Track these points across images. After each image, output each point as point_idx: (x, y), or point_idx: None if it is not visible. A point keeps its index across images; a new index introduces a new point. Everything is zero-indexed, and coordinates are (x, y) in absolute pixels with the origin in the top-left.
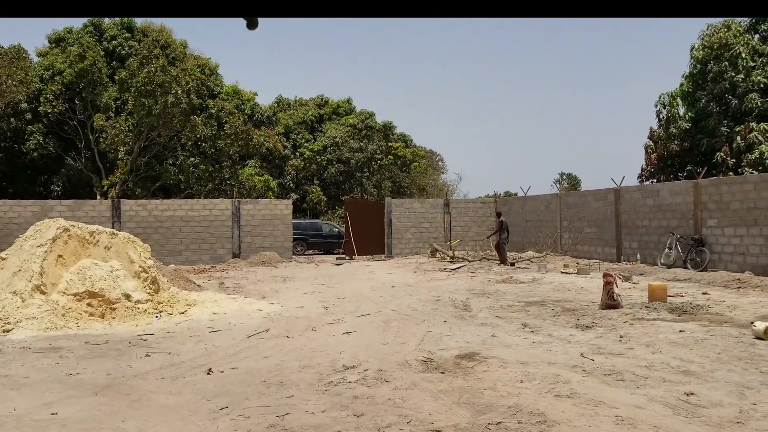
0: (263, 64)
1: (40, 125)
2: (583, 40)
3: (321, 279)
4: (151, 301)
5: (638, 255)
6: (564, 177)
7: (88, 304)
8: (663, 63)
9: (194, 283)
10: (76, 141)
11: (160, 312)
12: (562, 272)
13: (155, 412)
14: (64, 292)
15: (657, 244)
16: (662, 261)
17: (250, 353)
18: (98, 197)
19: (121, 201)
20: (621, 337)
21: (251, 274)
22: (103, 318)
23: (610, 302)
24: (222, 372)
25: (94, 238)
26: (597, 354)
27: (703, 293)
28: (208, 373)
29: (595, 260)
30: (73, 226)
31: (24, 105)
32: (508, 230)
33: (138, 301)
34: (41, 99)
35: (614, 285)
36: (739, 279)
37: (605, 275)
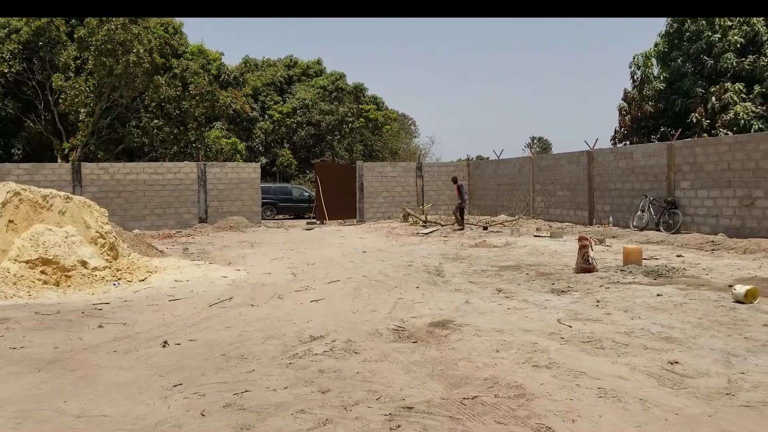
0: (230, 24)
1: None
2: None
3: (290, 244)
4: (109, 268)
5: (611, 218)
6: (535, 141)
7: (42, 272)
8: (638, 22)
9: (156, 249)
10: (36, 102)
11: (119, 279)
12: (535, 236)
13: (102, 391)
14: (15, 260)
15: (630, 207)
16: (635, 224)
17: (211, 323)
18: (59, 161)
19: (82, 164)
20: (598, 301)
21: (218, 240)
22: (57, 286)
23: (585, 266)
24: (179, 344)
25: (48, 202)
26: (574, 320)
27: (678, 255)
28: (164, 346)
29: (567, 223)
30: (25, 190)
31: None
32: (466, 194)
33: (95, 269)
34: None
35: (589, 248)
36: (713, 241)
37: (580, 239)
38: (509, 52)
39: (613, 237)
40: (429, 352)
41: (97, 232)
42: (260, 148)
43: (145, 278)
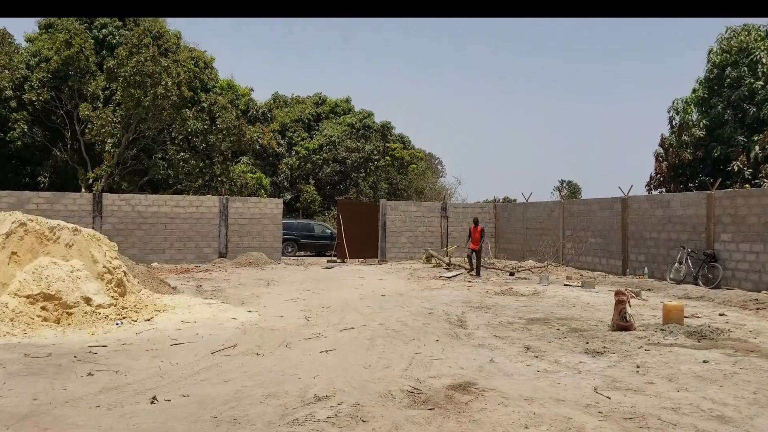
0: (261, 61)
1: (25, 113)
2: (591, 42)
3: (307, 284)
4: (115, 305)
5: (646, 269)
6: (564, 185)
7: (42, 308)
8: (677, 67)
9: (169, 285)
10: (63, 131)
11: (123, 318)
12: (566, 284)
13: None
14: (15, 294)
15: (666, 258)
16: (671, 276)
17: (210, 375)
18: (83, 190)
19: (103, 195)
20: (638, 367)
21: (235, 276)
22: (58, 323)
23: (622, 323)
24: (169, 401)
25: (55, 234)
26: (613, 389)
27: (720, 314)
28: (152, 402)
29: (599, 272)
30: (31, 221)
31: (9, 92)
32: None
33: (99, 306)
34: (26, 86)
35: (627, 304)
36: (756, 299)
37: (617, 293)
38: (540, 93)
39: (649, 290)
40: (447, 425)
41: (104, 267)
42: (285, 184)
43: (152, 317)
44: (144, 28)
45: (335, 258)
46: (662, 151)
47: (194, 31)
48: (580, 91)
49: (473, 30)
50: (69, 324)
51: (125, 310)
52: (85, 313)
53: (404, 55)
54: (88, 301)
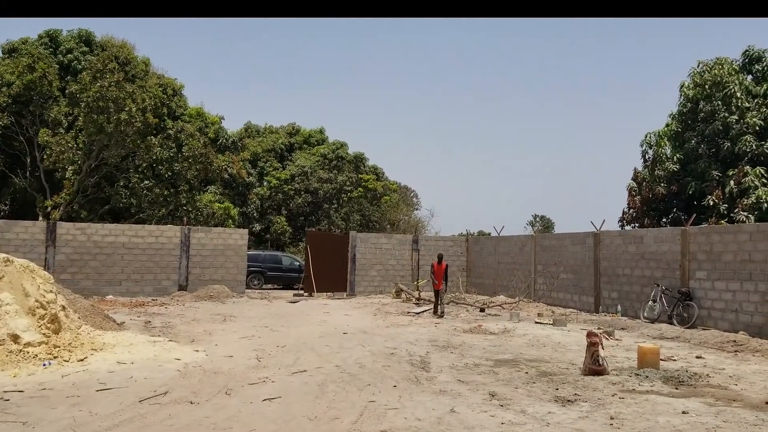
0: (234, 90)
1: None
2: (564, 76)
3: (268, 319)
4: (46, 343)
5: (619, 306)
6: (537, 219)
7: None
8: (649, 100)
9: (114, 321)
10: (23, 158)
11: (54, 358)
12: (537, 322)
13: None
14: None
15: (639, 296)
16: (645, 315)
17: (129, 429)
18: (40, 218)
19: (57, 224)
20: (612, 418)
21: (191, 311)
22: None
23: (595, 367)
24: None
25: None
26: None
27: (698, 357)
28: None
29: (571, 309)
30: None
31: None
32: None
33: (28, 344)
34: None
35: (599, 346)
36: (734, 341)
37: (589, 334)
38: (516, 126)
39: (622, 329)
40: None
41: (36, 301)
42: (255, 215)
43: (85, 357)
44: (109, 53)
45: (302, 292)
46: (635, 186)
47: (164, 58)
48: (554, 126)
49: (447, 61)
50: None
51: (57, 349)
52: (10, 352)
53: (379, 87)
54: (15, 338)
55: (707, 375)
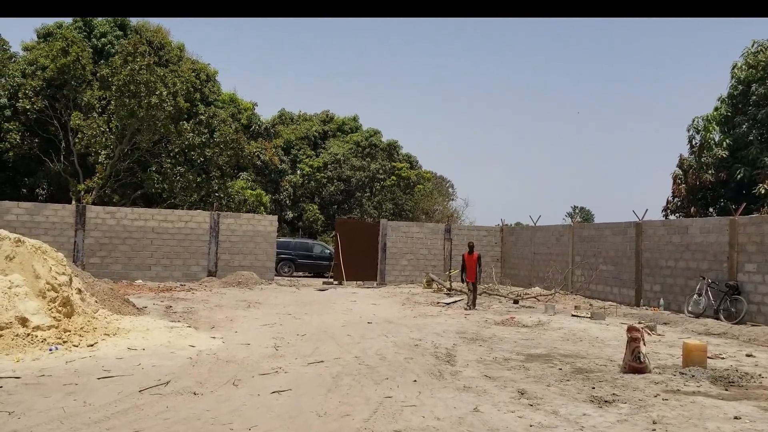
0: (268, 77)
1: (17, 123)
2: (605, 60)
3: (292, 307)
4: (56, 327)
5: (661, 300)
6: (577, 211)
7: None
8: (698, 83)
9: (133, 305)
10: (57, 142)
11: (64, 342)
12: (573, 315)
13: None
14: None
15: (683, 289)
16: (689, 309)
17: (121, 422)
18: (73, 203)
19: (87, 207)
20: (654, 423)
21: (216, 297)
22: None
23: (635, 364)
24: None
25: None
26: None
27: (748, 355)
28: None
29: (610, 302)
30: None
31: (3, 100)
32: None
33: (37, 327)
34: (20, 94)
35: (641, 342)
36: None
37: (630, 329)
38: (554, 115)
39: (665, 323)
40: None
41: (47, 283)
42: (287, 202)
43: (96, 343)
44: (140, 36)
45: (332, 280)
46: (681, 173)
47: (199, 44)
48: (594, 112)
49: (485, 51)
50: None
51: (68, 334)
52: (17, 335)
53: (414, 74)
54: (24, 321)
55: (759, 375)
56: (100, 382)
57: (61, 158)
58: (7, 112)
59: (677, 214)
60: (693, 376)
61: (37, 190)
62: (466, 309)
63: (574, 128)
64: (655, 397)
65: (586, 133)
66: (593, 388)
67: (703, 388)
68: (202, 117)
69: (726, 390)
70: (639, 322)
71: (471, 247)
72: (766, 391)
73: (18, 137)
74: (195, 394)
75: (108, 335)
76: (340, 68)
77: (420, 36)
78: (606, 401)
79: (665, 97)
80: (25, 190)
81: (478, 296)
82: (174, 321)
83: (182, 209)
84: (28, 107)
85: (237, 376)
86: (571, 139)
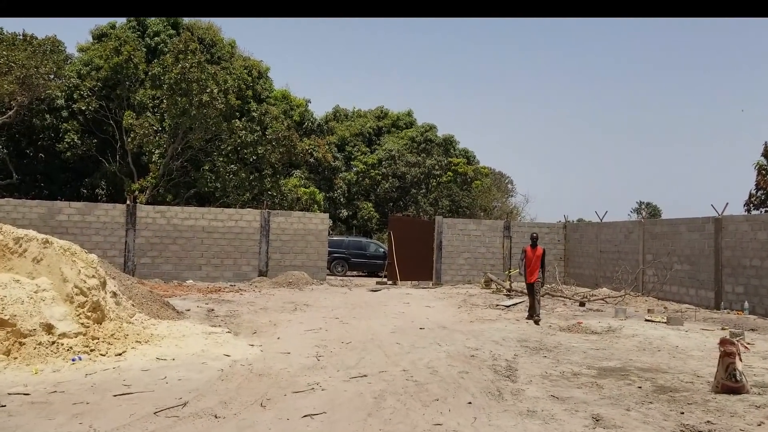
0: (321, 73)
1: (75, 123)
2: (675, 42)
3: (341, 310)
4: (84, 335)
5: (746, 303)
6: (643, 206)
7: None
8: None
9: (173, 309)
10: (113, 141)
11: (91, 351)
12: (647, 320)
13: None
14: None
15: None
16: None
17: None
18: (127, 202)
19: (138, 206)
20: None
21: (264, 298)
22: (8, 355)
23: (731, 383)
24: None
25: (21, 246)
26: None
27: None
28: None
29: (686, 305)
30: None
31: (60, 102)
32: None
33: (63, 335)
34: (76, 95)
35: (737, 358)
36: None
37: (723, 342)
38: (616, 106)
39: (752, 329)
40: None
41: (75, 287)
42: (342, 200)
43: (124, 351)
44: (191, 34)
45: (385, 279)
46: (766, 162)
47: (250, 41)
48: (662, 99)
49: (544, 44)
50: (16, 358)
51: (95, 341)
52: (40, 344)
53: (471, 68)
54: (49, 329)
55: None
56: (116, 400)
57: (117, 158)
58: (65, 113)
59: (762, 209)
60: None
61: (97, 190)
62: (527, 320)
63: (638, 117)
64: (760, 425)
65: (652, 123)
66: (682, 413)
67: None
68: (254, 114)
69: None
70: (723, 328)
71: (534, 239)
72: None
73: (76, 138)
74: (216, 417)
75: (139, 342)
76: (394, 63)
77: (476, 29)
78: (699, 431)
79: (745, 77)
80: (85, 191)
81: (542, 298)
82: (214, 326)
83: (235, 208)
84: (84, 108)
85: (267, 394)
86: (635, 130)
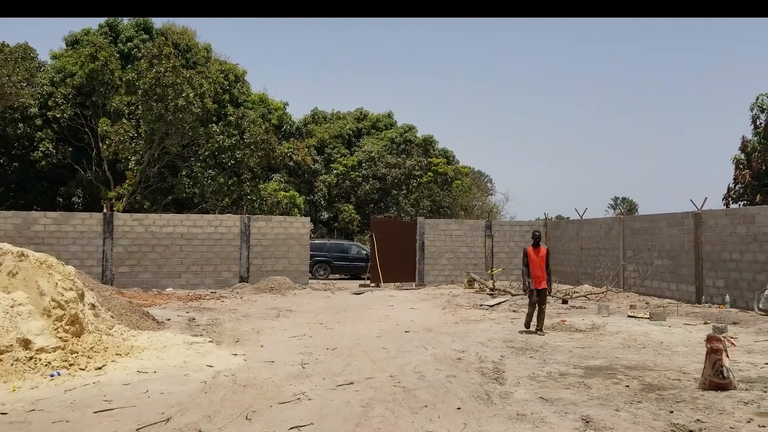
0: (299, 76)
1: (49, 131)
2: (652, 35)
3: (325, 314)
4: (62, 349)
5: (726, 297)
6: (620, 202)
7: None
8: (761, 56)
9: (153, 319)
10: (88, 149)
11: (70, 366)
12: (630, 316)
13: None
14: None
15: (751, 284)
16: (761, 306)
17: None
18: (104, 210)
19: (115, 215)
20: None
21: (246, 305)
22: None
23: (718, 380)
24: None
25: None
26: None
27: None
28: None
29: (668, 300)
30: None
31: (34, 110)
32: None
33: (41, 350)
34: (50, 103)
35: (724, 354)
36: None
37: (710, 338)
38: (592, 102)
39: (734, 323)
40: None
41: (53, 300)
42: (322, 203)
43: (105, 365)
44: (165, 38)
45: (368, 282)
46: (743, 157)
47: (226, 45)
48: (637, 95)
49: (521, 44)
50: None
51: (75, 356)
52: (17, 360)
53: (449, 68)
54: (26, 344)
55: None
56: (97, 417)
57: (93, 166)
58: (38, 122)
59: (740, 203)
60: None
61: (73, 199)
62: (539, 333)
63: (614, 114)
64: (749, 422)
65: (628, 119)
66: (671, 412)
67: None
68: (231, 118)
69: None
70: (705, 322)
71: (537, 238)
72: None
73: (51, 146)
74: None
75: (120, 355)
76: (373, 65)
77: (454, 28)
78: (691, 431)
79: (722, 73)
80: (61, 200)
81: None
82: (196, 335)
83: (214, 214)
84: (58, 115)
85: (253, 405)
86: (611, 127)
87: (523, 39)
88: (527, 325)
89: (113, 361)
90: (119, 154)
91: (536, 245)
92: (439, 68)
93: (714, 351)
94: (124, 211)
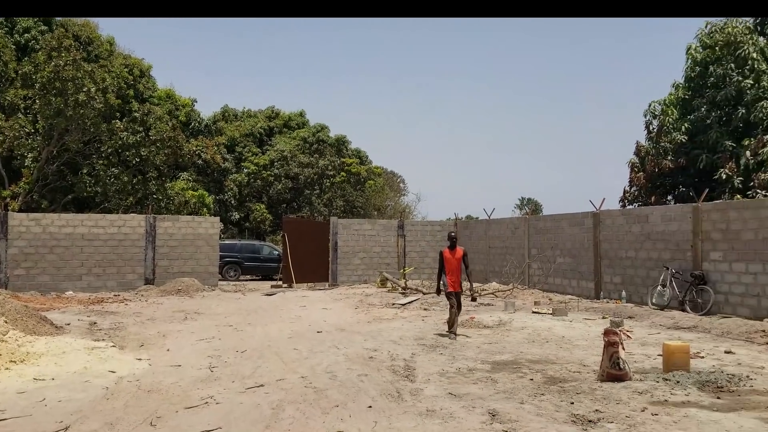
0: (208, 73)
1: None
2: (557, 44)
3: (235, 316)
4: None
5: (623, 292)
6: (525, 202)
7: None
8: (653, 66)
9: (51, 324)
10: None
11: None
12: (534, 312)
13: None
14: None
15: (645, 280)
16: (654, 301)
17: None
18: None
19: (9, 214)
20: None
21: (151, 308)
22: None
23: (615, 372)
24: None
25: None
26: None
27: (727, 351)
28: None
29: (570, 296)
30: None
31: None
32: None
33: None
34: None
35: (620, 347)
36: (763, 331)
37: (607, 332)
38: (501, 105)
39: (630, 317)
40: None
41: None
42: (233, 202)
43: None
44: (64, 30)
45: (281, 283)
46: (638, 161)
47: (131, 39)
48: (542, 99)
49: (432, 44)
50: None
51: None
52: None
53: (361, 68)
54: None
55: (747, 377)
56: None
57: None
58: None
59: (635, 204)
60: (678, 382)
61: None
62: (450, 337)
63: (520, 118)
64: (643, 411)
65: (534, 122)
66: (572, 403)
67: (692, 397)
68: (136, 115)
69: (718, 398)
70: (603, 317)
71: (453, 240)
72: (761, 396)
73: None
74: None
75: (14, 362)
76: (285, 63)
77: (365, 28)
78: (590, 421)
79: (618, 81)
80: None
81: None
82: (97, 340)
83: (117, 213)
84: None
85: (158, 411)
86: (518, 130)
87: (435, 40)
88: (451, 325)
89: (7, 368)
90: (14, 151)
91: (452, 247)
92: (352, 68)
93: (611, 344)
94: (20, 210)
